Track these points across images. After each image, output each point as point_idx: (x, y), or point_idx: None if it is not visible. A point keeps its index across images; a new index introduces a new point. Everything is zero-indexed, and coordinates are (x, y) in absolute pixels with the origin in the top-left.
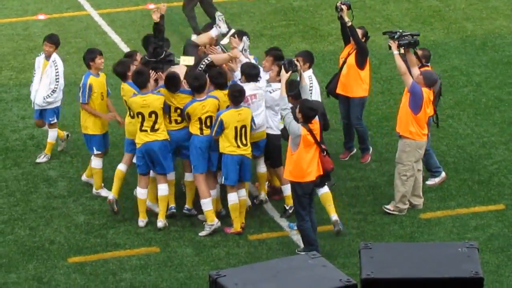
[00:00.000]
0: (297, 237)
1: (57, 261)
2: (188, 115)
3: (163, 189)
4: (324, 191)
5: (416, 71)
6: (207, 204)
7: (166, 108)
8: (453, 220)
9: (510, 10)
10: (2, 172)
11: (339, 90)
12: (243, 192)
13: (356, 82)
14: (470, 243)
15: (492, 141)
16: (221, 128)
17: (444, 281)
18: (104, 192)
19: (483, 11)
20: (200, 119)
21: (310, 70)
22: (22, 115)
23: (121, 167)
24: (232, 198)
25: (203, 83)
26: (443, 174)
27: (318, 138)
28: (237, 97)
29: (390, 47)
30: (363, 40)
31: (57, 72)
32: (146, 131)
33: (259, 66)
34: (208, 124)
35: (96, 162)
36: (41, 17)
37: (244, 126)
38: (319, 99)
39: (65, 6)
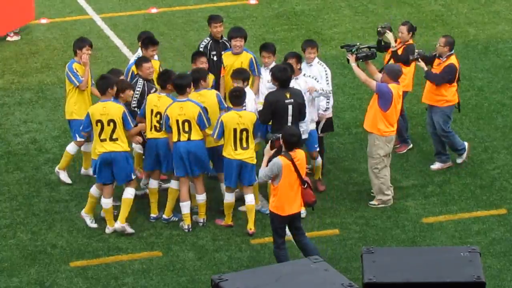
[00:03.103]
0: None
1: (59, 265)
2: (167, 117)
3: (129, 192)
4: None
5: (378, 76)
6: (185, 207)
7: (128, 124)
8: (455, 225)
9: None
10: (4, 176)
11: None
12: (250, 197)
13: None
14: (472, 247)
15: (494, 145)
16: (222, 129)
17: (446, 285)
18: (63, 175)
19: (485, 15)
20: (177, 122)
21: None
22: (24, 119)
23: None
24: (228, 198)
25: (186, 83)
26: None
27: (302, 170)
28: (237, 97)
29: (348, 61)
30: (409, 35)
31: None
32: (105, 140)
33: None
34: (186, 129)
35: (76, 148)
36: (44, 21)
37: (245, 130)
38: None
39: (67, 10)
